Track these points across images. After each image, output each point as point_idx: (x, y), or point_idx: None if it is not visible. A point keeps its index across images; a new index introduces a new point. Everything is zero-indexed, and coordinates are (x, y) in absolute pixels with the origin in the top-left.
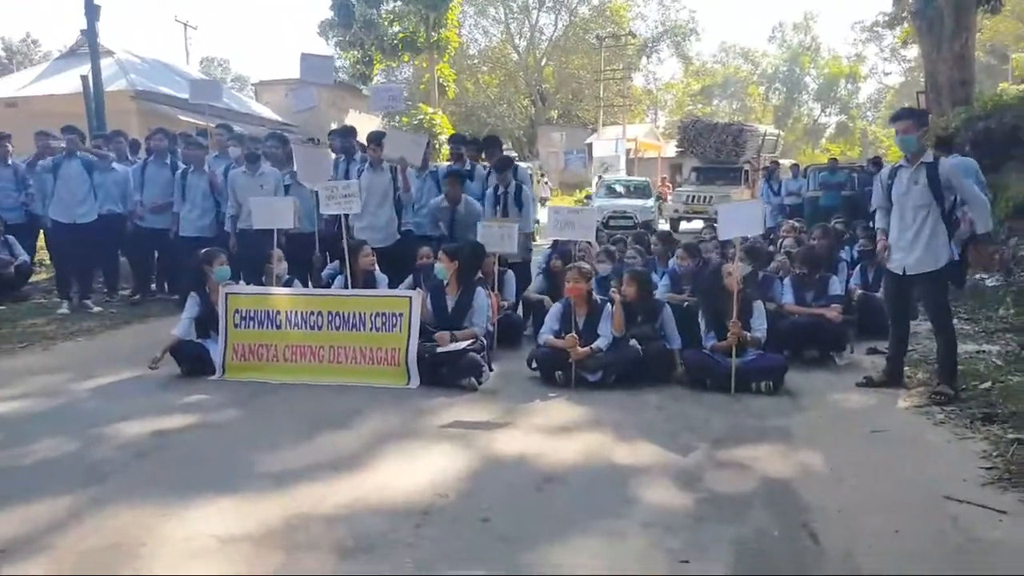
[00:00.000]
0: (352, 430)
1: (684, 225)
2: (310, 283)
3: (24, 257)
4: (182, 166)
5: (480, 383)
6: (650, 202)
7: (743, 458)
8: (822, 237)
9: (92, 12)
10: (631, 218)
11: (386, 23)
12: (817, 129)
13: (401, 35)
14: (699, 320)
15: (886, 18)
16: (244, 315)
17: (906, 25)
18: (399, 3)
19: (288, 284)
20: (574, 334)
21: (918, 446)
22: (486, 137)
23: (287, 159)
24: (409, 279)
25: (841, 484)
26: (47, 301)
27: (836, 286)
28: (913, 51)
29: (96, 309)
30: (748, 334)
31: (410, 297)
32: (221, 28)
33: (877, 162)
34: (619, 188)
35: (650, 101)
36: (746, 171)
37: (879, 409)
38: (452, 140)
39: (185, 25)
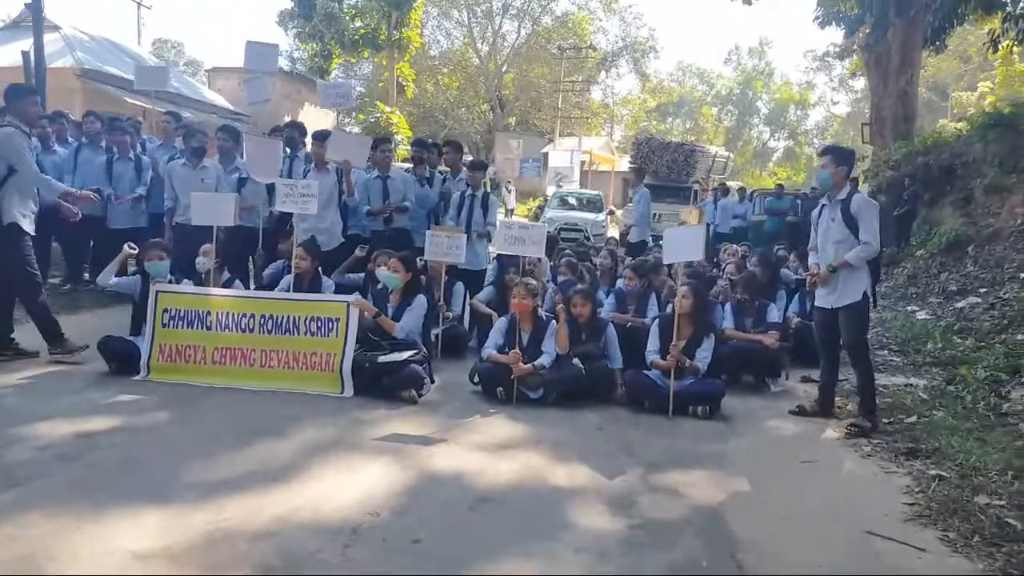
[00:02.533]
0: (287, 440)
1: None
2: (251, 281)
3: None
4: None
5: (421, 395)
6: (601, 216)
7: (677, 483)
8: (760, 264)
9: None
10: (582, 231)
11: (348, 17)
12: (766, 152)
13: (362, 31)
14: (646, 339)
15: (837, 49)
16: (173, 314)
17: (855, 58)
18: None
19: (229, 283)
20: (517, 350)
21: (845, 479)
22: (447, 141)
23: (235, 153)
24: (361, 275)
25: (769, 515)
26: None
27: (774, 314)
28: (861, 83)
29: None
30: (689, 361)
31: (347, 303)
32: (177, 9)
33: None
34: (572, 200)
35: (607, 115)
36: (695, 191)
37: (810, 438)
38: (415, 143)
39: (139, 4)
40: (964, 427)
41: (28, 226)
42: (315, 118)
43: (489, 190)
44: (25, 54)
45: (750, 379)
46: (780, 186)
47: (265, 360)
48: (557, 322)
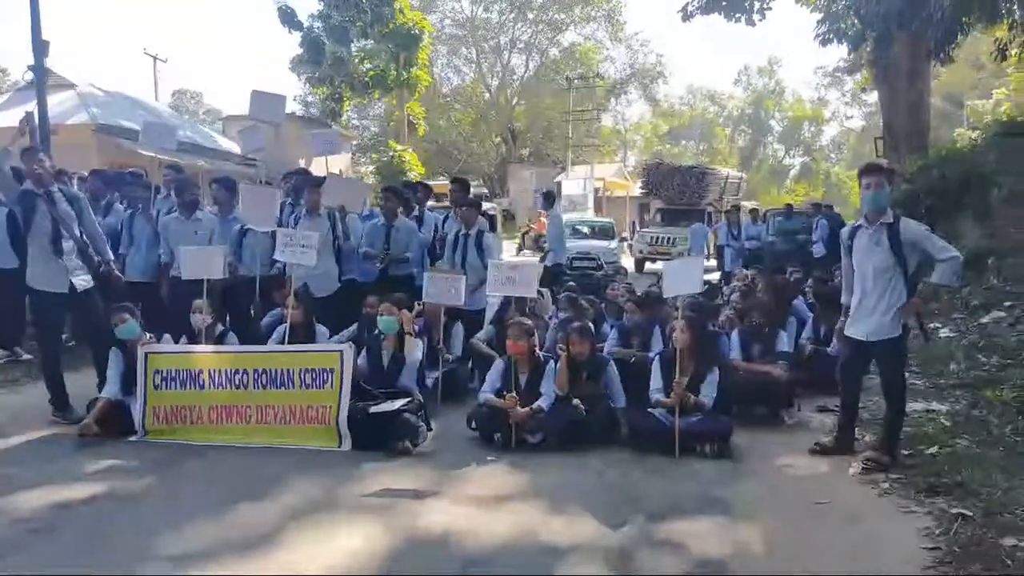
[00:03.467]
0: (271, 501)
1: (649, 266)
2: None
3: None
4: (118, 207)
5: (416, 445)
6: (613, 243)
7: (681, 533)
8: (767, 289)
9: (39, 49)
10: (595, 259)
11: (357, 60)
12: (782, 170)
13: (372, 73)
14: (650, 376)
15: (846, 64)
16: (164, 376)
17: (865, 72)
18: (370, 42)
19: (222, 337)
20: (514, 394)
21: (860, 521)
22: (454, 179)
23: (233, 204)
24: (352, 329)
25: (778, 567)
26: None
27: (784, 341)
28: (873, 96)
29: (26, 356)
30: (693, 397)
31: (341, 352)
32: (193, 61)
33: (817, 206)
34: (583, 229)
35: (619, 141)
36: (709, 213)
37: (824, 477)
38: (404, 186)
39: (154, 58)
40: (990, 456)
41: (45, 286)
42: (328, 160)
43: (501, 222)
44: (28, 114)
45: (764, 411)
46: (789, 206)
47: (261, 416)
48: (558, 363)
